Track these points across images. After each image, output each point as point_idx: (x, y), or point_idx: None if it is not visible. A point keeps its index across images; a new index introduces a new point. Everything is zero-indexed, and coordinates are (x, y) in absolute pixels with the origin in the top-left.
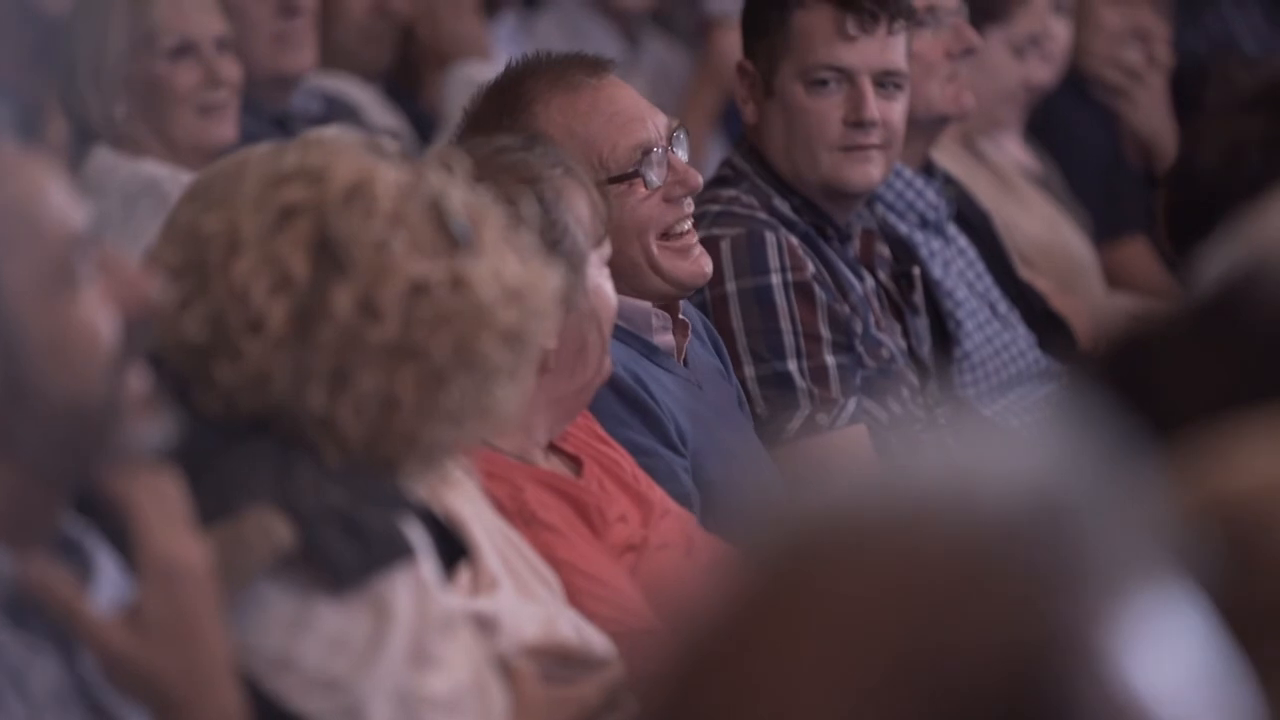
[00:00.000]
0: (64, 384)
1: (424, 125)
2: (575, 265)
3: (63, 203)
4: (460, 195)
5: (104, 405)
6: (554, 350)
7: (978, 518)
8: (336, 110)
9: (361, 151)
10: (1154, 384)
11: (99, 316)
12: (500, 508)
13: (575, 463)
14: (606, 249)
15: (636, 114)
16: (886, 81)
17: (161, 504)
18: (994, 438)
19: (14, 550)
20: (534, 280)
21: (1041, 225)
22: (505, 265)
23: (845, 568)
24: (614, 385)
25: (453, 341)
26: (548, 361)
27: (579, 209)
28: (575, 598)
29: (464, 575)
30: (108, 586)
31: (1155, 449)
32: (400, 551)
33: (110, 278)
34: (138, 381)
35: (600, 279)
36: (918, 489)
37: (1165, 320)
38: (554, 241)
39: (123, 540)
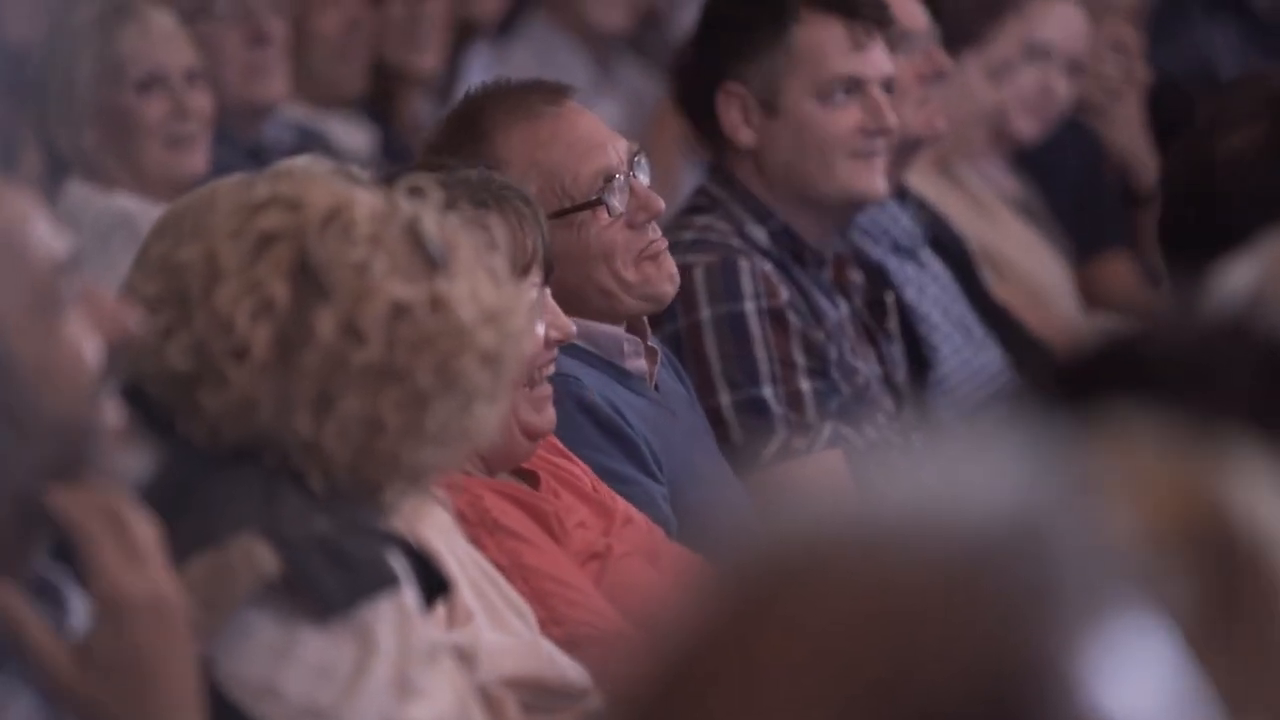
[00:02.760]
0: (51, 404)
1: (397, 150)
2: None
3: (47, 230)
4: (434, 218)
5: (86, 429)
6: None
7: (949, 542)
8: (309, 140)
9: (334, 178)
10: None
11: (84, 340)
12: (462, 517)
13: (531, 478)
14: (532, 276)
15: (597, 141)
16: (888, 87)
17: (120, 535)
18: (964, 457)
19: None
20: (509, 302)
21: (1018, 249)
22: (481, 287)
23: (816, 594)
24: (591, 413)
25: (434, 363)
26: None
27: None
28: (546, 601)
29: (440, 609)
30: (80, 629)
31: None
32: (385, 580)
33: (90, 307)
34: (114, 414)
35: None
36: (889, 513)
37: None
38: None
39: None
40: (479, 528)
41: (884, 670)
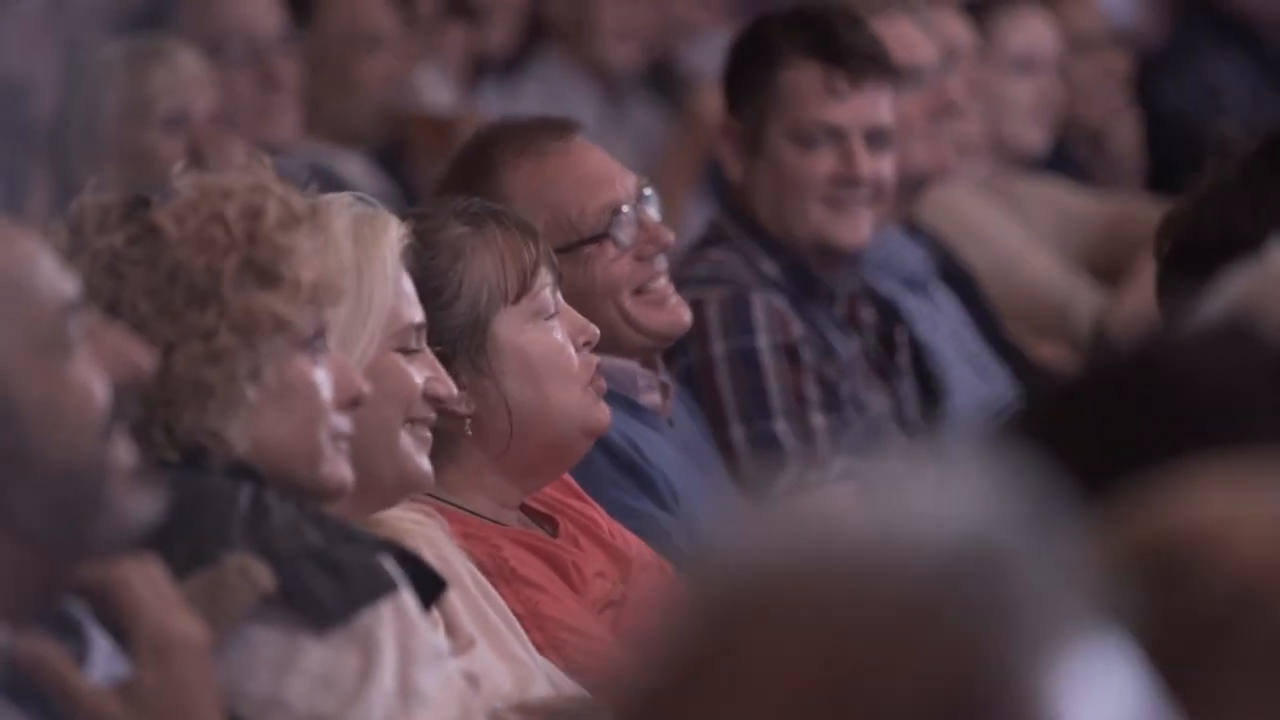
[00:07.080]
0: (61, 447)
1: (413, 193)
2: (476, 322)
3: (54, 271)
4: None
5: (97, 470)
6: (475, 414)
7: (911, 563)
8: (322, 180)
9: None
10: (1079, 437)
11: (93, 380)
12: (481, 567)
13: (549, 522)
14: (542, 302)
15: (604, 175)
16: (875, 138)
17: (152, 584)
18: (931, 481)
19: (11, 625)
20: None
21: (1041, 271)
22: None
23: (780, 617)
24: (606, 447)
25: None
26: (465, 427)
27: (483, 267)
28: (563, 651)
29: (441, 630)
30: (102, 663)
31: (1085, 498)
32: (382, 586)
33: (100, 346)
34: (125, 455)
35: (528, 333)
36: (853, 536)
37: (1093, 374)
38: (450, 300)
39: (114, 621)
40: (497, 578)
41: (846, 687)
